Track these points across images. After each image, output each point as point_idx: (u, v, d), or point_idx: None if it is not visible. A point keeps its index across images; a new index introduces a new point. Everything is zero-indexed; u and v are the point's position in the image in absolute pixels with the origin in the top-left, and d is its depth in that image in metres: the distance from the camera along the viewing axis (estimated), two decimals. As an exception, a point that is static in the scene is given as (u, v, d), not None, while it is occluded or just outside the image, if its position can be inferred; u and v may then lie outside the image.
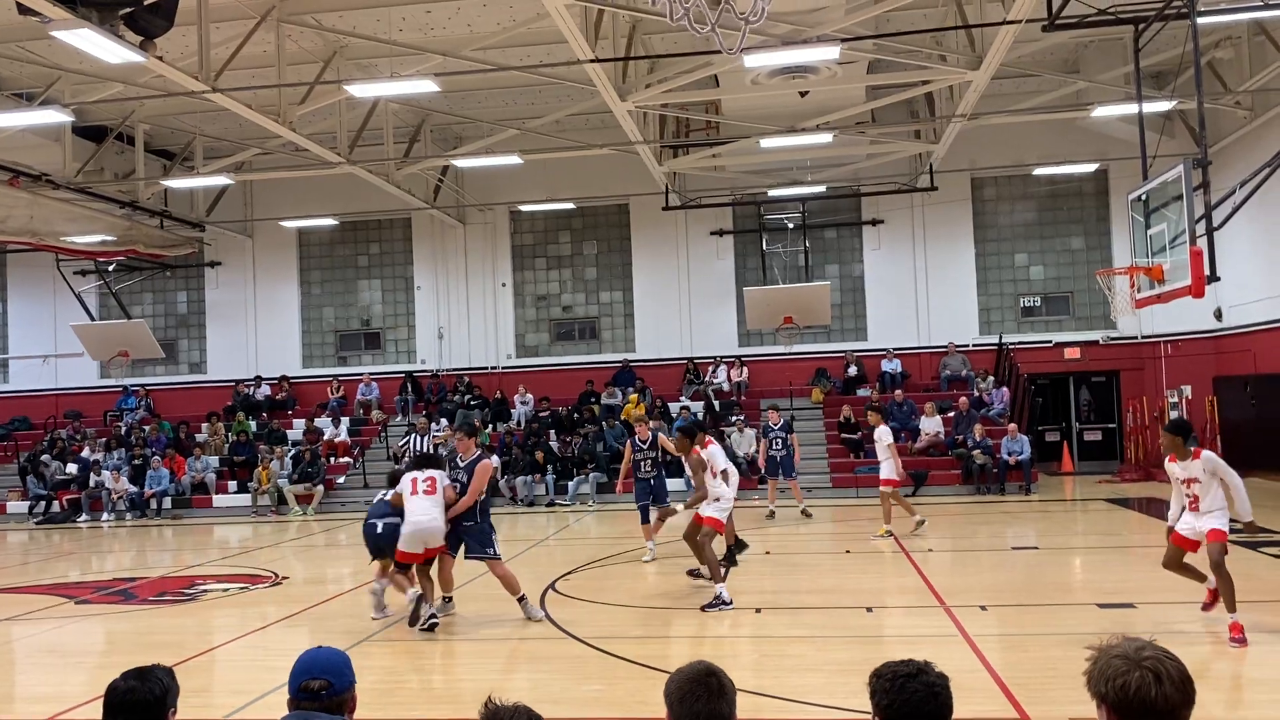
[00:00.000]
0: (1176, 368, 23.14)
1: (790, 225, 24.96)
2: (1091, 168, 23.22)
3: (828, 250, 25.40)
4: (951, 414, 21.64)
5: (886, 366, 23.90)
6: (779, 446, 17.30)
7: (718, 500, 10.58)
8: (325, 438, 24.20)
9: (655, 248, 25.64)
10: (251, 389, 26.42)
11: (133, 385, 26.98)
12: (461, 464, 10.07)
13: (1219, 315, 21.94)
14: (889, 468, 14.45)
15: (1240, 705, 6.51)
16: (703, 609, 10.01)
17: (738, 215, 25.54)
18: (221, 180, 22.93)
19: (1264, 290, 20.06)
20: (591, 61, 14.77)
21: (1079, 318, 24.16)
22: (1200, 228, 12.04)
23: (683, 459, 11.32)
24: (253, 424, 25.05)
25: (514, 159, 21.27)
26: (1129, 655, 2.34)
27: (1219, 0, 15.02)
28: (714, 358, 25.03)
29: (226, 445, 24.35)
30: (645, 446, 13.48)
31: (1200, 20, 13.00)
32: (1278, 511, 15.84)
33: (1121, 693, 2.30)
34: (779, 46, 14.64)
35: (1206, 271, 11.86)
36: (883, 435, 14.62)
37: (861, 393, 23.28)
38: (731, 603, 10.01)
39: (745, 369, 24.63)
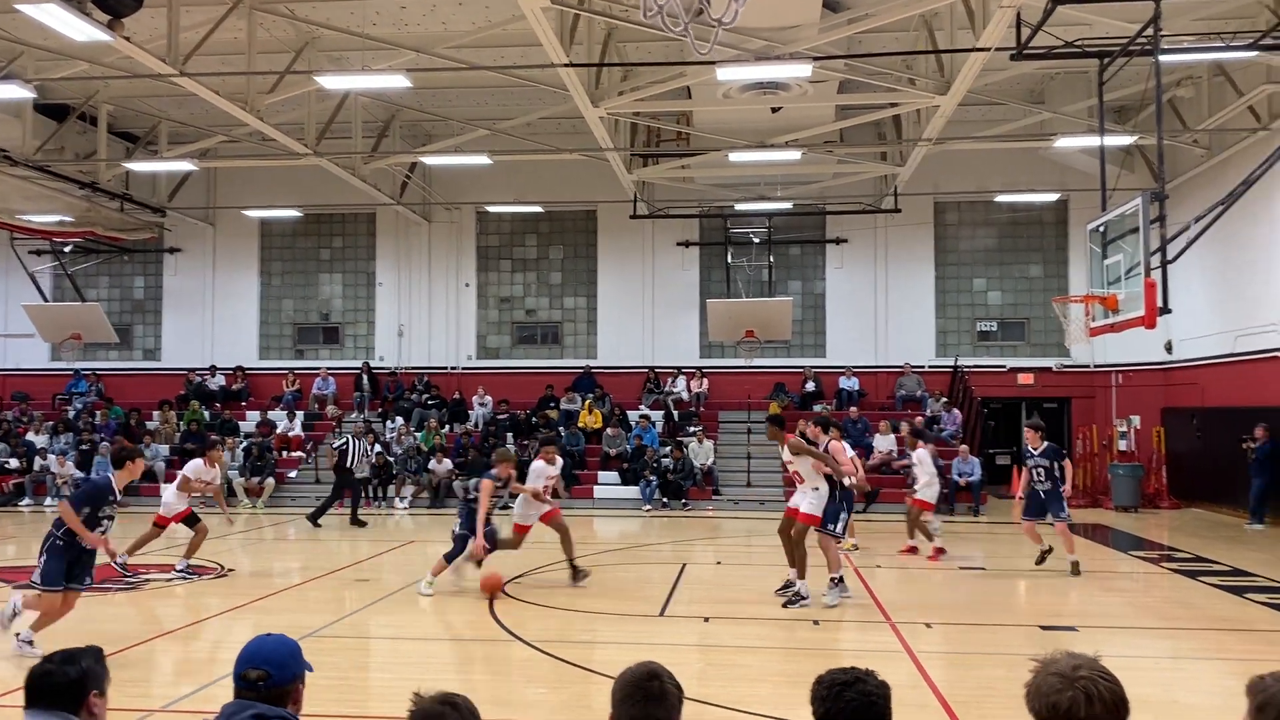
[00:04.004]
0: (1126, 397, 23.56)
1: (755, 240, 25.12)
2: (1052, 197, 23.61)
3: (791, 266, 25.58)
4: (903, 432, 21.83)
5: (844, 384, 24.09)
6: (1041, 478, 12.64)
7: (816, 490, 10.70)
8: (278, 431, 23.95)
9: (621, 255, 25.68)
10: (206, 378, 26.09)
11: (84, 369, 26.52)
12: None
13: (1169, 348, 22.39)
14: (932, 492, 14.55)
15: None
16: (784, 605, 10.49)
17: (704, 227, 25.66)
18: (185, 166, 22.64)
19: (1213, 325, 20.49)
20: (565, 66, 14.80)
21: (1034, 344, 24.51)
22: (1155, 260, 12.31)
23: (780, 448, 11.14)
24: (206, 413, 24.73)
25: (483, 159, 21.24)
26: (1064, 673, 2.36)
27: (1182, 40, 15.37)
28: (675, 368, 25.10)
29: (178, 434, 24.00)
30: (502, 486, 12.25)
31: (1163, 58, 13.31)
32: (1217, 541, 16.19)
33: (1053, 710, 2.33)
34: (752, 61, 14.77)
35: (1159, 303, 12.12)
36: (924, 458, 14.63)
37: (818, 408, 23.42)
38: (809, 599, 10.50)
39: (705, 380, 24.72)
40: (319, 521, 17.94)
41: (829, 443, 11.33)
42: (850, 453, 11.82)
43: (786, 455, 10.90)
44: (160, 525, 13.03)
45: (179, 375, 26.23)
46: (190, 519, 12.98)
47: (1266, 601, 11.00)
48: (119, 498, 8.41)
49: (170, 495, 13.26)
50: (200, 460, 13.34)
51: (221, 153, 23.40)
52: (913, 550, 14.55)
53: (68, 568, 8.23)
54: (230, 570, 13.25)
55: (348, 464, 18.46)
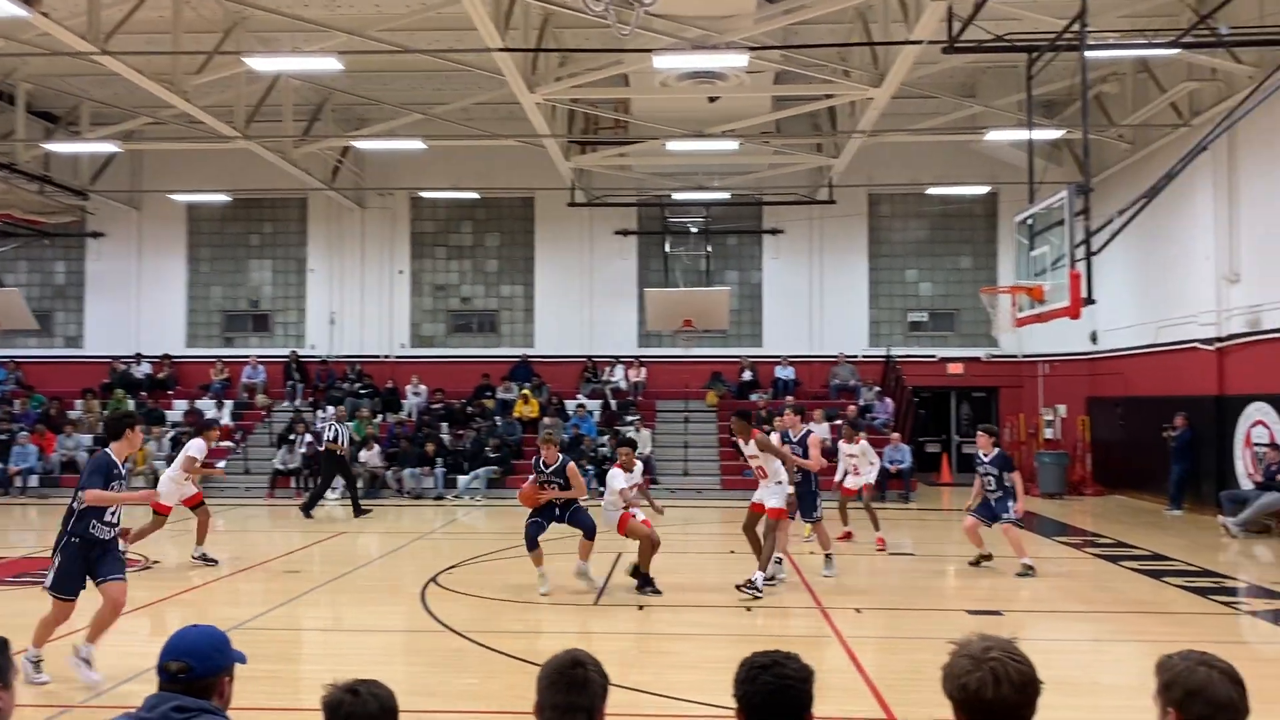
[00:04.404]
0: (1053, 387, 24.10)
1: (693, 229, 25.18)
2: (982, 190, 24.02)
3: (728, 256, 25.70)
4: (839, 422, 22.07)
5: (780, 373, 24.29)
6: (991, 486, 12.17)
7: (780, 484, 10.80)
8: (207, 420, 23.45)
9: (558, 244, 25.56)
10: (131, 366, 25.44)
11: (2, 357, 25.69)
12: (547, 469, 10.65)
13: (1094, 338, 22.95)
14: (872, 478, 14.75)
15: (1093, 710, 6.80)
16: (737, 586, 10.43)
17: (642, 216, 25.64)
18: (108, 147, 22.02)
19: (1135, 316, 21.04)
20: (501, 50, 14.66)
21: (964, 334, 24.95)
22: (1080, 252, 12.58)
23: (741, 443, 11.04)
24: (131, 403, 24.10)
25: (417, 144, 20.98)
26: (975, 655, 2.40)
27: (1107, 36, 15.71)
28: (613, 357, 25.08)
29: (100, 424, 23.39)
30: (548, 471, 10.67)
31: (1089, 54, 13.57)
32: (1138, 527, 16.65)
33: (962, 691, 2.37)
34: (689, 50, 14.77)
35: (1084, 294, 12.40)
36: (868, 449, 14.83)
37: (754, 397, 23.60)
38: (762, 594, 10.34)
39: (643, 369, 24.75)
40: (361, 510, 18.05)
41: (806, 432, 11.98)
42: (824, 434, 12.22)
43: (751, 450, 10.85)
44: (162, 514, 12.52)
45: (103, 363, 25.54)
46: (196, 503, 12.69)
47: (1183, 585, 11.34)
48: (124, 472, 7.56)
49: (169, 481, 12.79)
50: (200, 440, 13.00)
51: (147, 135, 22.77)
52: (848, 536, 14.70)
53: (88, 568, 7.38)
54: (156, 562, 12.94)
55: (339, 451, 18.31)
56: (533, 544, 10.58)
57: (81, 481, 7.38)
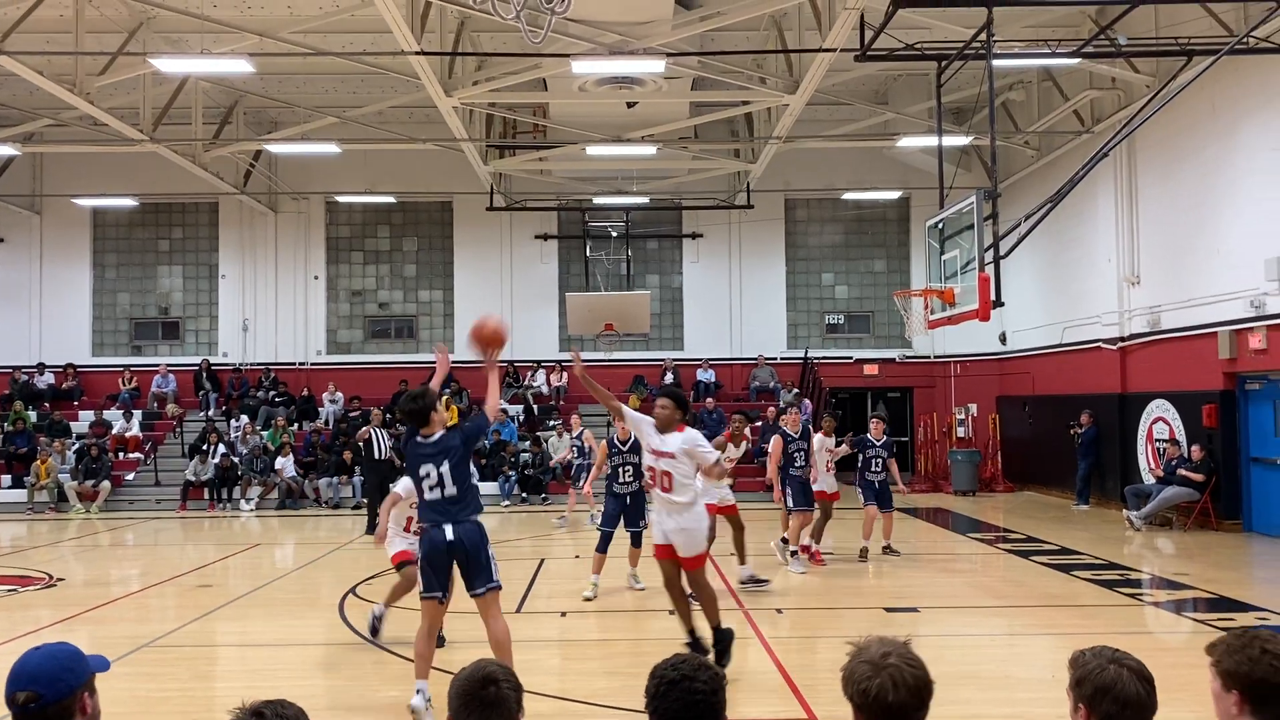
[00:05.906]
0: (964, 387, 24.71)
1: (614, 234, 25.22)
2: (895, 195, 24.52)
3: (649, 260, 25.81)
4: (759, 423, 22.31)
5: (701, 376, 24.47)
6: (878, 469, 13.36)
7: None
8: (114, 431, 22.74)
9: (478, 248, 25.37)
10: (33, 376, 24.54)
11: (-108, 368, 24.58)
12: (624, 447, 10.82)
13: (1003, 339, 23.59)
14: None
15: (1007, 703, 6.98)
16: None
17: (563, 220, 25.60)
18: (7, 150, 21.23)
19: (1042, 318, 21.68)
20: (416, 54, 14.52)
21: (879, 336, 25.44)
22: (989, 256, 12.93)
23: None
24: (33, 414, 23.26)
25: (332, 148, 20.64)
26: (874, 660, 2.50)
27: (1013, 46, 16.17)
28: (534, 361, 24.98)
29: (1, 436, 22.51)
30: (625, 449, 10.61)
31: (996, 62, 13.97)
32: (1047, 522, 17.15)
33: (864, 696, 2.48)
34: (606, 55, 14.80)
35: (993, 296, 12.75)
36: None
37: (675, 401, 23.68)
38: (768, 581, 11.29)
39: (565, 374, 24.70)
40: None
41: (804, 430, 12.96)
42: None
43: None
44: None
45: (2, 374, 24.58)
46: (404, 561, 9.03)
47: (1091, 578, 11.71)
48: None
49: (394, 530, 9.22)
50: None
51: (48, 137, 22.03)
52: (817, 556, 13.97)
53: None
54: (60, 580, 12.51)
55: (376, 455, 17.57)
56: (602, 548, 10.94)
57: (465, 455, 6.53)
